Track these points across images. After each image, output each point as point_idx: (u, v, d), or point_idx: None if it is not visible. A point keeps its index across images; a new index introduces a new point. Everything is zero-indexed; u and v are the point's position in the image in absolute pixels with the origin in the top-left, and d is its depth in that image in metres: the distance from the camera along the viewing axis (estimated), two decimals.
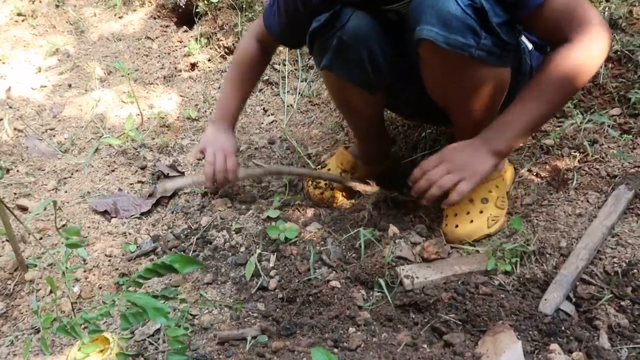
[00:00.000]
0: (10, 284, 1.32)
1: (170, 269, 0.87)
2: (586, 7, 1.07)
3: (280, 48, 2.28)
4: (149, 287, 1.31)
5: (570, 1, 1.06)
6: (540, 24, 1.09)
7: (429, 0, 1.08)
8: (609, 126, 1.48)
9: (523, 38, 1.31)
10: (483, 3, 1.03)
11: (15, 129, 1.97)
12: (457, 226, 1.31)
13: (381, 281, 1.21)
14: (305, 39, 1.29)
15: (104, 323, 1.22)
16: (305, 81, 2.16)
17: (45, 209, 1.58)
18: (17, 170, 1.77)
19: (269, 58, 1.58)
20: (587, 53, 1.07)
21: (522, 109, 1.12)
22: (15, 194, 1.65)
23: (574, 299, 1.10)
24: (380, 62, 1.26)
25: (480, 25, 1.05)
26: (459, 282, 1.18)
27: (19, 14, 2.83)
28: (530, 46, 1.33)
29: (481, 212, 1.31)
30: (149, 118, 2.06)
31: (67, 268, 1.32)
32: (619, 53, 1.55)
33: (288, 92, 2.15)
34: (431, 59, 1.14)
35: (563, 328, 1.03)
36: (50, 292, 1.29)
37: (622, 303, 1.06)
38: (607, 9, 1.58)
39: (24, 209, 1.59)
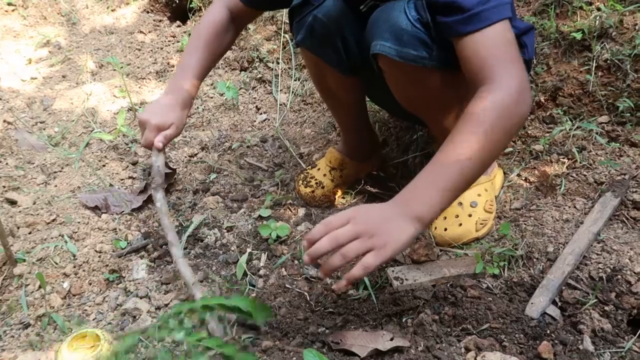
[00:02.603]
0: None
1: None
2: (515, 57, 1.00)
3: (274, 46, 2.28)
4: (139, 283, 1.31)
5: (501, 45, 0.99)
6: (464, 55, 1.02)
7: (383, 15, 1.13)
8: (597, 133, 1.51)
9: None
10: (429, 18, 1.06)
11: (4, 121, 1.94)
12: (446, 229, 1.33)
13: (366, 280, 1.22)
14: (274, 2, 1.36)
15: (93, 319, 1.22)
16: (299, 80, 2.16)
17: (34, 203, 1.57)
18: (6, 163, 1.75)
19: (237, 29, 1.44)
20: (515, 105, 0.96)
21: (445, 163, 0.95)
22: (4, 187, 1.64)
23: (559, 303, 1.12)
24: (352, 46, 1.31)
25: (431, 38, 1.08)
26: (448, 285, 1.20)
27: (9, 4, 2.80)
28: None
29: (470, 215, 1.33)
30: None
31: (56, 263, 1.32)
32: (608, 62, 1.58)
33: (281, 90, 2.15)
34: (390, 72, 1.19)
35: (548, 332, 1.06)
36: (40, 287, 1.28)
37: (606, 308, 1.09)
38: (597, 17, 1.60)
39: (12, 202, 1.58)
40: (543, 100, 1.64)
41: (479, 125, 0.94)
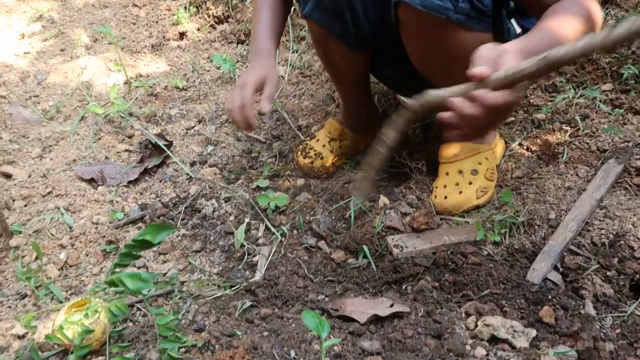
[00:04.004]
0: None
1: (144, 244, 0.86)
2: None
3: None
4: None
5: None
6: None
7: None
8: (600, 101, 1.48)
9: (512, 21, 1.30)
10: None
11: None
12: (446, 197, 1.31)
13: (365, 248, 1.21)
14: None
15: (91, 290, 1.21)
16: (297, 52, 2.13)
17: (29, 176, 1.55)
18: (1, 137, 1.72)
19: None
20: (594, 6, 0.98)
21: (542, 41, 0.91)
22: None
23: (561, 269, 1.11)
24: (361, 17, 1.25)
25: None
26: (448, 252, 1.18)
27: None
28: (518, 30, 1.31)
29: (470, 183, 1.31)
30: (136, 87, 2.02)
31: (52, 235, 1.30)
32: None
33: (279, 63, 2.12)
34: (410, 23, 1.13)
35: (550, 297, 1.05)
36: (36, 258, 1.27)
37: (608, 273, 1.08)
38: None
39: (8, 176, 1.56)
40: None
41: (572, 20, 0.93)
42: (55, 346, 1.04)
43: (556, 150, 1.42)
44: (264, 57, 1.32)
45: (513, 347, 0.95)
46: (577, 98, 1.49)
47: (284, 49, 2.17)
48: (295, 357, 0.97)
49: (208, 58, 2.22)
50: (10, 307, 1.17)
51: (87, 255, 1.30)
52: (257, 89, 1.25)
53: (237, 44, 2.29)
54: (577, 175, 1.34)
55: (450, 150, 1.36)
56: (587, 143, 1.41)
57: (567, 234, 1.14)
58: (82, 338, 0.92)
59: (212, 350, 1.00)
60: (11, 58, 2.20)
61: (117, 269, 0.94)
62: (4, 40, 2.31)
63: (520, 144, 1.49)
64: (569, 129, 1.46)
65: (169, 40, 2.35)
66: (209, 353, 0.99)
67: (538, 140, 1.47)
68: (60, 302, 1.17)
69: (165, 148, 1.62)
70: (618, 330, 0.99)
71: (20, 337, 1.09)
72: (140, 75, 2.11)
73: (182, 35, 2.37)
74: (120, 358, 0.90)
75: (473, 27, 1.08)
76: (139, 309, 1.14)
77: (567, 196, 1.28)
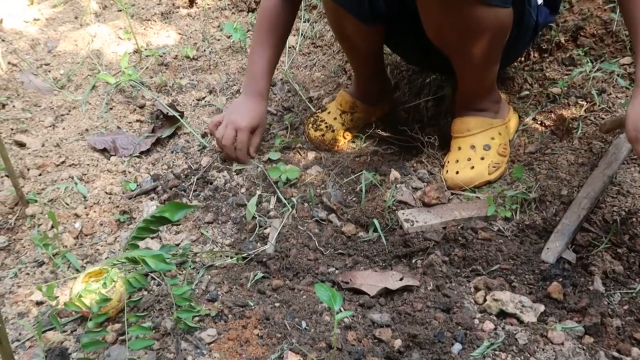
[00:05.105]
0: (11, 219, 1.33)
1: (162, 221, 0.86)
2: None
3: None
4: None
5: None
6: None
7: None
8: (618, 75, 1.45)
9: None
10: None
11: (9, 62, 1.91)
12: (457, 172, 1.31)
13: (376, 222, 1.21)
14: None
15: (106, 259, 1.24)
16: (308, 22, 2.09)
17: (43, 145, 1.57)
18: (13, 106, 1.73)
19: (294, 5, 1.50)
20: None
21: None
22: (12, 129, 1.63)
23: (572, 246, 1.11)
24: None
25: None
26: (458, 227, 1.19)
27: None
28: (540, 1, 1.28)
29: (482, 158, 1.31)
30: (147, 56, 2.00)
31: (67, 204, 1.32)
32: None
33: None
34: None
35: (559, 273, 1.05)
36: (52, 226, 1.29)
37: (619, 250, 1.08)
38: None
39: (21, 144, 1.57)
40: (563, 41, 1.57)
41: None
42: (73, 313, 1.07)
43: (570, 125, 1.40)
44: (259, 97, 1.49)
45: (521, 322, 0.97)
46: (595, 72, 1.47)
47: (296, 18, 2.12)
48: (307, 328, 1.00)
49: (218, 27, 2.19)
50: (28, 274, 1.20)
51: (102, 224, 1.32)
52: (250, 134, 1.46)
53: (248, 12, 2.25)
54: (590, 151, 1.32)
55: (463, 124, 1.35)
56: (603, 118, 1.39)
57: (581, 212, 1.14)
58: (100, 306, 0.95)
59: (225, 319, 1.02)
60: (21, 25, 2.19)
61: (134, 241, 0.95)
62: (13, 7, 2.29)
63: (534, 119, 1.47)
64: (585, 103, 1.44)
65: (178, 7, 2.32)
66: (222, 322, 1.02)
67: (552, 115, 1.45)
68: (77, 270, 1.20)
69: (179, 117, 1.62)
70: (626, 307, 1.00)
71: (39, 304, 1.12)
72: (151, 44, 2.09)
73: (191, 2, 2.33)
74: (138, 327, 0.93)
75: (491, 2, 1.06)
76: (153, 279, 1.16)
77: (580, 172, 1.27)
